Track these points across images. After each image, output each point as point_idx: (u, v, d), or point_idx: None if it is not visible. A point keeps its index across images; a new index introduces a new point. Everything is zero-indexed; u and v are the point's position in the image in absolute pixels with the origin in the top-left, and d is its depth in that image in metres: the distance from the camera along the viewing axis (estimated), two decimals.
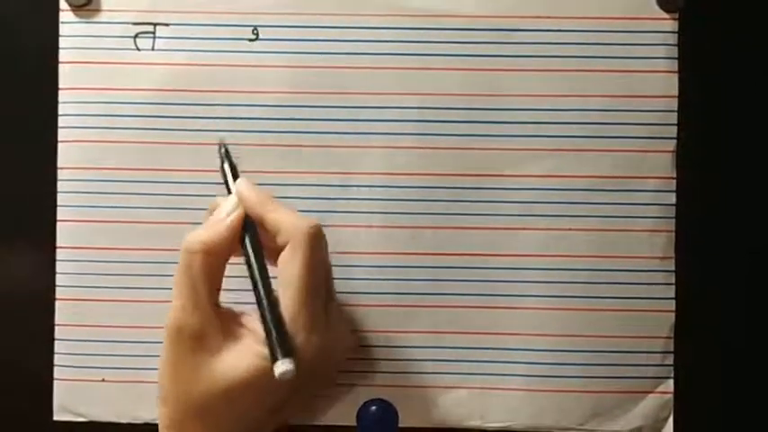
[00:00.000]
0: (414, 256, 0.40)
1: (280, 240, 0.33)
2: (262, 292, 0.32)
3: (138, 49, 0.40)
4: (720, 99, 0.41)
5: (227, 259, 0.34)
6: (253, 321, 0.33)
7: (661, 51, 0.40)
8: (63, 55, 0.40)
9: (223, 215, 0.34)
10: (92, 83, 0.40)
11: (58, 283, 0.40)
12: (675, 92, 0.40)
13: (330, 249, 0.36)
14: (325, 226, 0.34)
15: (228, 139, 0.37)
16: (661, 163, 0.40)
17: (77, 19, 0.40)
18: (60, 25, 0.40)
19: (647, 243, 0.40)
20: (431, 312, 0.40)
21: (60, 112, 0.40)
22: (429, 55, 0.40)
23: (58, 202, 0.40)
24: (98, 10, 0.40)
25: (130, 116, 0.40)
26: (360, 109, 0.40)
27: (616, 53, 0.40)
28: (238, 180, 0.35)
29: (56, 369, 0.40)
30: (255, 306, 0.32)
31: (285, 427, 0.37)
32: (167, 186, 0.40)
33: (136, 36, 0.40)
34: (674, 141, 0.40)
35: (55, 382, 0.40)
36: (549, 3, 0.40)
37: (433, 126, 0.40)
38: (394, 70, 0.40)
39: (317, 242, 0.33)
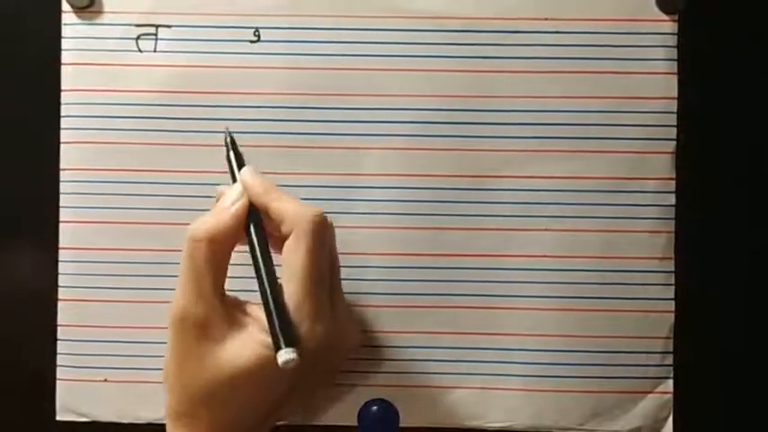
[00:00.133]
0: (414, 256, 0.40)
1: (284, 229, 0.33)
2: (265, 280, 0.32)
3: (141, 51, 0.40)
4: (720, 100, 0.41)
5: (232, 248, 0.34)
6: (257, 310, 0.33)
7: (660, 53, 0.40)
8: (65, 56, 0.40)
9: (228, 203, 0.34)
10: (94, 84, 0.40)
11: (60, 283, 0.40)
12: (675, 93, 0.40)
13: None
14: None
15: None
16: (661, 164, 0.40)
17: (80, 21, 0.40)
18: (63, 27, 0.40)
19: (647, 244, 0.40)
20: (431, 313, 0.40)
21: (63, 113, 0.40)
22: (429, 57, 0.40)
23: (61, 203, 0.40)
24: (100, 12, 0.40)
25: (133, 117, 0.40)
26: (361, 110, 0.40)
27: (616, 55, 0.40)
28: (243, 169, 0.35)
29: (58, 369, 0.41)
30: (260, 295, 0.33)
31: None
32: (169, 187, 0.40)
33: (138, 38, 0.40)
34: (674, 143, 0.40)
35: (57, 382, 0.41)
36: (549, 5, 0.40)
37: (432, 128, 0.40)
38: (395, 72, 0.40)
39: (321, 231, 0.33)
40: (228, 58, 0.40)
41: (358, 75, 0.40)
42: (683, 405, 0.40)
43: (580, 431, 0.40)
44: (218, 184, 0.37)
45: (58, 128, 0.40)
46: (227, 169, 0.36)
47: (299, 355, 0.31)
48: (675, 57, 0.40)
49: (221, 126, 0.39)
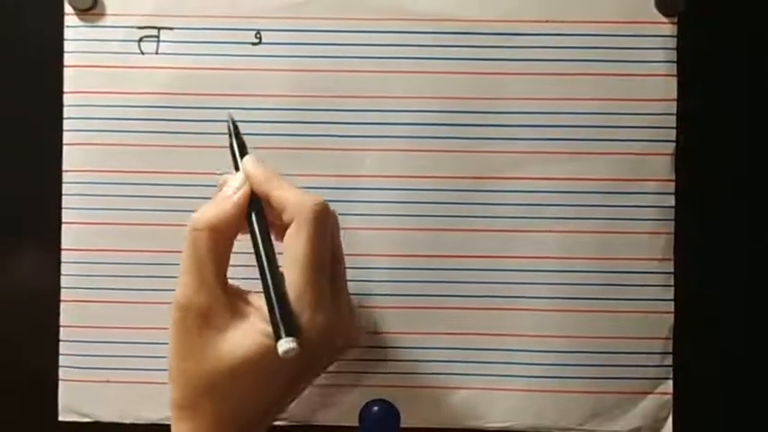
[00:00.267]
0: (415, 257, 0.40)
1: (285, 218, 0.33)
2: (267, 269, 0.32)
3: (143, 53, 0.40)
4: (719, 102, 0.41)
5: (234, 237, 0.34)
6: (259, 300, 0.33)
7: (660, 55, 0.40)
8: (68, 59, 0.41)
9: (230, 192, 0.34)
10: (96, 86, 0.40)
11: (63, 284, 0.41)
12: (675, 95, 0.40)
13: None
14: None
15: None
16: (660, 166, 0.40)
17: (82, 23, 0.40)
18: (65, 29, 0.41)
19: (647, 245, 0.40)
20: (432, 313, 0.40)
21: (65, 115, 0.41)
22: (431, 59, 0.40)
23: (63, 205, 0.41)
24: (102, 14, 0.40)
25: (135, 119, 0.40)
26: (362, 112, 0.40)
27: (616, 57, 0.40)
28: (246, 157, 0.35)
29: (61, 370, 0.41)
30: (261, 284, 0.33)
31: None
32: (171, 189, 0.40)
33: (140, 40, 0.40)
34: (674, 144, 0.40)
35: (60, 382, 0.41)
36: (550, 7, 0.40)
37: (434, 129, 0.40)
38: (396, 74, 0.40)
39: (322, 219, 0.33)
40: (230, 60, 0.40)
41: (359, 77, 0.40)
42: (682, 405, 0.40)
43: (580, 431, 0.40)
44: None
45: (60, 129, 0.41)
46: (228, 171, 0.36)
47: (300, 344, 0.31)
48: (675, 59, 0.40)
49: (223, 128, 0.40)
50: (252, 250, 0.33)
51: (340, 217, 0.36)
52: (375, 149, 0.40)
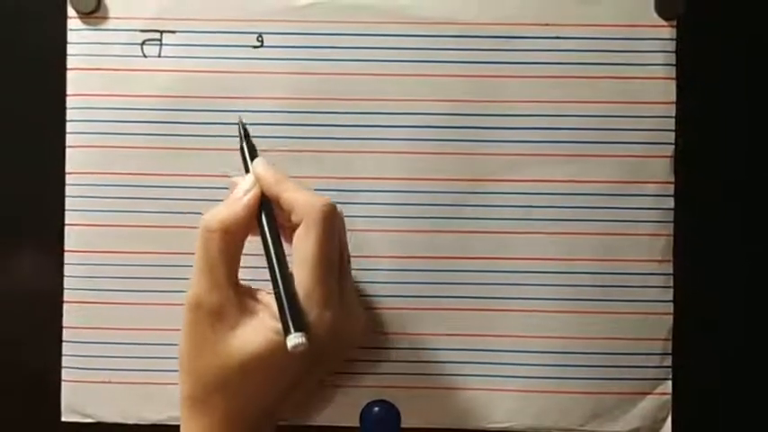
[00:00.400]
0: (415, 259, 0.41)
1: (294, 219, 0.34)
2: (276, 269, 0.33)
3: (145, 56, 0.41)
4: (718, 105, 0.41)
5: (245, 237, 0.35)
6: (269, 298, 0.34)
7: (659, 58, 0.40)
8: (71, 61, 0.41)
9: (240, 194, 0.35)
10: (99, 89, 0.41)
11: (65, 285, 0.41)
12: (674, 98, 0.40)
13: None
14: None
15: (234, 144, 0.38)
16: (659, 168, 0.40)
17: (85, 26, 0.41)
18: (68, 32, 0.41)
19: (646, 247, 0.41)
20: (432, 315, 0.41)
21: (68, 117, 0.41)
22: (430, 62, 0.40)
23: (66, 206, 0.41)
24: (105, 17, 0.41)
25: (137, 122, 0.40)
26: (363, 115, 0.41)
27: (615, 60, 0.40)
28: (256, 160, 0.36)
29: (63, 370, 0.41)
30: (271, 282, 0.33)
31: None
32: (173, 191, 0.41)
33: (143, 43, 0.41)
34: (673, 147, 0.40)
35: (62, 383, 0.41)
36: (549, 11, 0.40)
37: (433, 132, 0.41)
38: (396, 77, 0.40)
39: (330, 220, 0.34)
40: (232, 64, 0.40)
41: (360, 80, 0.40)
42: (681, 406, 0.41)
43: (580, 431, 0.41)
44: (220, 188, 0.37)
45: (63, 132, 0.41)
46: (230, 173, 0.37)
47: (308, 340, 0.31)
48: (674, 62, 0.40)
49: (225, 130, 0.40)
50: (262, 251, 0.34)
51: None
52: (376, 152, 0.41)
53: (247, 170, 0.36)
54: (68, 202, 0.41)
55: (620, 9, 0.40)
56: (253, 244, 0.35)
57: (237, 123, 0.37)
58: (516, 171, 0.41)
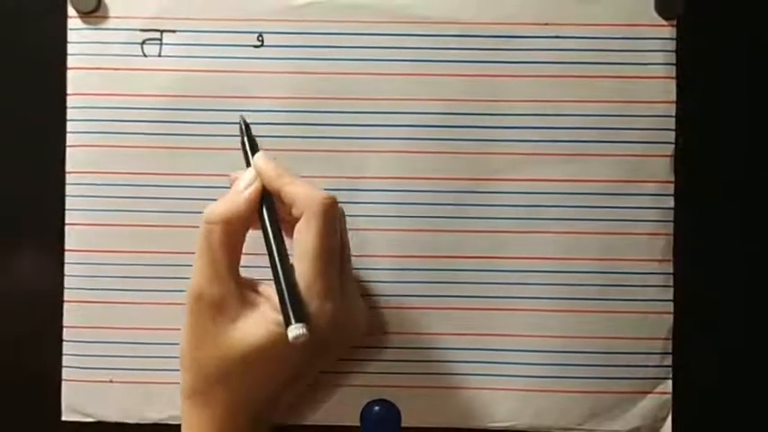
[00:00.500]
0: (415, 258, 0.41)
1: (295, 212, 0.34)
2: (277, 261, 0.33)
3: (145, 56, 0.41)
4: (718, 104, 0.41)
5: (246, 231, 0.35)
6: (270, 290, 0.34)
7: (659, 57, 0.40)
8: (71, 61, 0.41)
9: (241, 188, 0.35)
10: (99, 88, 0.41)
11: (66, 285, 0.41)
12: (674, 97, 0.40)
13: None
14: None
15: (234, 143, 0.38)
16: (659, 167, 0.41)
17: (85, 26, 0.41)
18: (68, 32, 0.41)
19: (646, 246, 0.41)
20: (433, 314, 0.41)
21: (68, 117, 0.41)
22: (430, 61, 0.40)
23: (67, 206, 0.41)
24: (105, 17, 0.41)
25: (137, 121, 0.41)
26: (363, 114, 0.41)
27: (615, 59, 0.40)
28: (257, 154, 0.36)
29: (64, 370, 0.41)
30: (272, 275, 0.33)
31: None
32: (174, 190, 0.41)
33: (143, 42, 0.41)
34: (673, 146, 0.40)
35: (63, 382, 0.41)
36: (549, 10, 0.40)
37: (433, 131, 0.41)
38: (395, 76, 0.41)
39: (331, 213, 0.34)
40: (232, 63, 0.40)
41: (360, 79, 0.41)
42: (681, 405, 0.41)
43: (580, 431, 0.41)
44: (221, 187, 0.37)
45: (63, 131, 0.41)
46: (231, 174, 0.37)
47: (309, 331, 0.31)
48: (674, 61, 0.40)
49: (225, 130, 0.40)
50: (263, 244, 0.34)
51: None
52: (375, 151, 0.41)
53: (248, 164, 0.36)
54: (68, 202, 0.41)
55: (620, 8, 0.40)
56: (254, 238, 0.35)
57: (238, 120, 0.37)
58: (516, 170, 0.41)
